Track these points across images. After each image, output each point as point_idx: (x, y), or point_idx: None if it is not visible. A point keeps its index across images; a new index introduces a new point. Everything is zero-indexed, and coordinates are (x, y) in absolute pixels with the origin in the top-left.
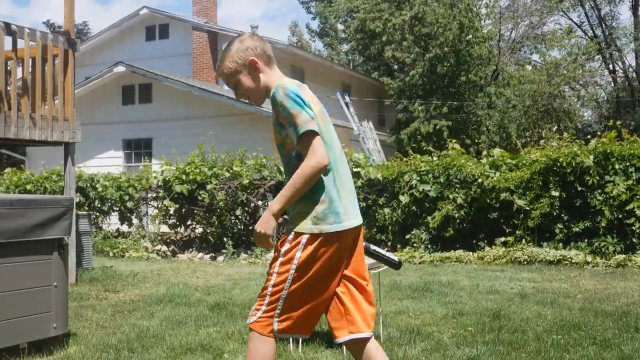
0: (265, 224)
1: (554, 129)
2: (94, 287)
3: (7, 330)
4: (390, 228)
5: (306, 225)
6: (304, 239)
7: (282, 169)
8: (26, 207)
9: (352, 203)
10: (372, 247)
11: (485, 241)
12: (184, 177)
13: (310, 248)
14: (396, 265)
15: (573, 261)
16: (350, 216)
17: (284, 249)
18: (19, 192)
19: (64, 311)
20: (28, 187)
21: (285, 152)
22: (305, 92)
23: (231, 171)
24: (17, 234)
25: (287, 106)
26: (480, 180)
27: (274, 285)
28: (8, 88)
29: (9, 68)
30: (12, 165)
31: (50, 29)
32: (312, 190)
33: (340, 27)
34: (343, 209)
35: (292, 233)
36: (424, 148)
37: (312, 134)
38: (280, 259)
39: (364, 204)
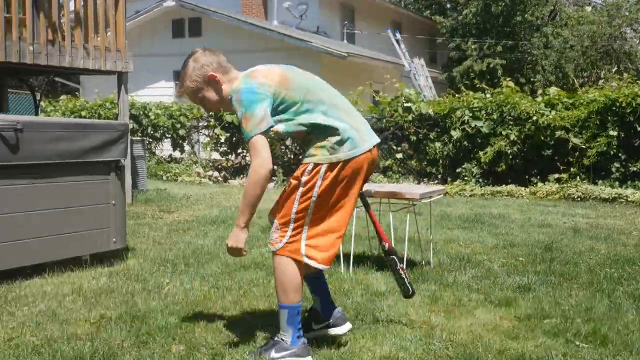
0: (235, 238)
1: (614, 70)
2: (149, 207)
3: (71, 243)
4: (440, 161)
5: (323, 156)
6: (322, 168)
7: None
8: (84, 130)
9: (363, 125)
10: (399, 265)
11: (538, 177)
12: None
13: (330, 176)
14: (409, 295)
15: (629, 199)
16: (365, 139)
17: (304, 179)
18: (74, 118)
19: (122, 227)
20: (83, 113)
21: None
22: (255, 77)
23: None
24: (76, 155)
25: (240, 110)
26: (534, 118)
27: (296, 212)
28: (61, 20)
29: (61, 1)
30: (67, 93)
31: None
32: (321, 128)
33: None
34: (356, 133)
35: (311, 164)
36: (477, 85)
37: (255, 139)
38: (301, 189)
39: (415, 138)
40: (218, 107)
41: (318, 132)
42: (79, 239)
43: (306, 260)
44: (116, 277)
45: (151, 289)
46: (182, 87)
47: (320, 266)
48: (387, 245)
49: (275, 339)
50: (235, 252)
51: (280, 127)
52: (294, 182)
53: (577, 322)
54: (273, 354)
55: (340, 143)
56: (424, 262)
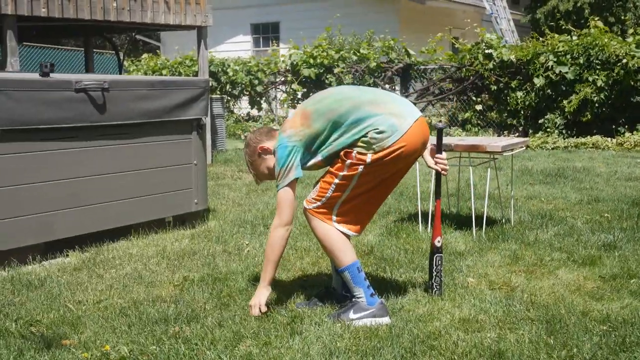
0: (258, 297)
1: None
2: (228, 167)
3: (153, 204)
4: (522, 112)
5: (367, 148)
6: (368, 157)
7: (411, 52)
8: (166, 88)
9: (400, 107)
10: (441, 266)
11: (626, 127)
12: (311, 60)
13: (375, 162)
14: (435, 295)
15: None
16: (405, 116)
17: (348, 162)
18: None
19: (203, 188)
20: (164, 72)
21: (322, 164)
22: (286, 130)
23: (358, 54)
24: (159, 114)
25: (276, 167)
26: (624, 60)
27: (336, 186)
28: None
29: None
30: (148, 52)
31: None
32: (359, 133)
33: None
34: (394, 118)
35: (355, 152)
36: (563, 27)
37: (283, 192)
38: (347, 169)
39: (495, 88)
40: (271, 176)
41: (355, 140)
42: (163, 200)
43: (336, 225)
44: (198, 239)
45: (231, 251)
46: (248, 164)
47: (351, 233)
48: (440, 241)
49: (353, 300)
50: (254, 309)
51: (318, 158)
52: (339, 162)
53: None
54: (351, 315)
55: (381, 133)
56: (504, 220)
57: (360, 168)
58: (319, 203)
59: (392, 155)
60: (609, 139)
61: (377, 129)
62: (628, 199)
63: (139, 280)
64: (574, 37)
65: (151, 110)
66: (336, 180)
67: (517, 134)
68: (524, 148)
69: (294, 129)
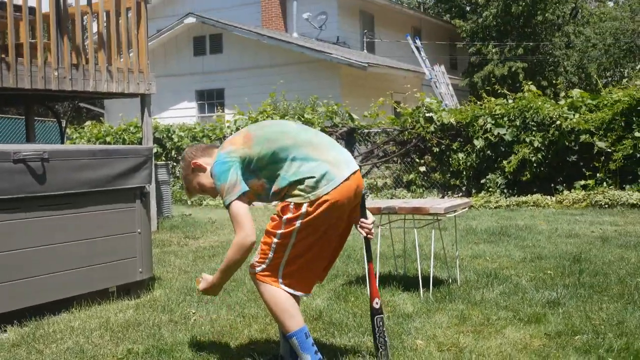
0: (205, 282)
1: (638, 68)
2: (174, 234)
3: (97, 275)
4: (464, 173)
5: (302, 196)
6: (304, 207)
7: (354, 116)
8: (109, 157)
9: (338, 155)
10: (384, 327)
11: (564, 185)
12: None
13: (312, 212)
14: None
15: None
16: (342, 167)
17: (286, 217)
18: (99, 144)
19: (148, 256)
20: (108, 139)
21: (262, 191)
22: (225, 147)
23: (303, 119)
24: (102, 183)
25: (215, 183)
26: (558, 122)
27: (277, 245)
28: (85, 42)
29: (85, 23)
30: (92, 119)
31: None
32: (297, 175)
33: None
34: (330, 166)
35: (292, 203)
36: (499, 91)
37: (234, 205)
38: (284, 226)
39: (437, 150)
40: (212, 190)
41: (293, 182)
42: (106, 270)
43: (283, 287)
44: (143, 308)
45: (178, 320)
46: (184, 183)
47: (300, 294)
48: (379, 302)
49: None
50: (208, 291)
51: (259, 179)
52: (276, 218)
53: (609, 337)
54: None
55: (316, 183)
56: (450, 280)
57: (298, 223)
58: (263, 266)
59: (326, 205)
60: (548, 197)
61: (314, 176)
62: (569, 256)
63: (80, 354)
64: (510, 101)
65: (93, 180)
66: (275, 240)
67: (460, 194)
68: (467, 209)
69: (233, 146)
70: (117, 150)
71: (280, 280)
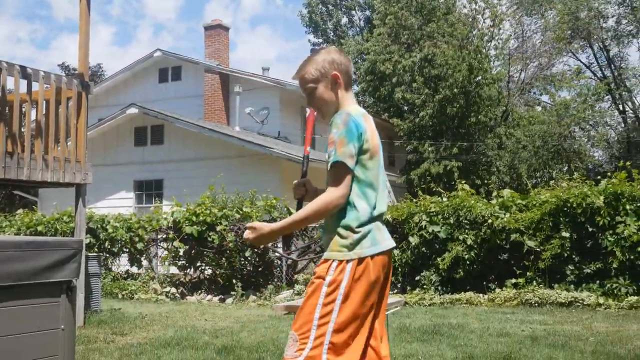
0: (256, 234)
1: (565, 170)
2: (101, 329)
3: None
4: (400, 270)
5: (344, 253)
6: (347, 267)
7: (292, 210)
8: (35, 249)
9: (384, 228)
10: None
11: (496, 282)
12: (194, 218)
13: (355, 275)
14: None
15: (585, 303)
16: (385, 238)
17: (329, 278)
18: (30, 234)
19: (70, 355)
20: (39, 228)
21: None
22: (367, 124)
23: (241, 212)
24: (26, 276)
25: (341, 131)
26: (490, 221)
27: (320, 317)
28: (22, 130)
29: (23, 110)
30: (24, 207)
31: (65, 71)
32: (348, 218)
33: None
34: (378, 233)
35: (335, 261)
36: (434, 189)
37: (344, 167)
38: (325, 289)
39: None
40: (320, 109)
41: (347, 211)
42: None
43: None
44: None
45: None
46: (303, 70)
47: None
48: None
49: None
50: (257, 239)
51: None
52: (317, 281)
53: None
54: None
55: (359, 240)
56: None
57: (344, 279)
58: (309, 345)
59: (369, 270)
60: (481, 294)
61: (363, 234)
62: (500, 355)
63: None
64: (444, 199)
65: (17, 273)
66: (322, 292)
67: (395, 290)
68: (399, 308)
69: (370, 138)
70: (45, 243)
71: (325, 358)
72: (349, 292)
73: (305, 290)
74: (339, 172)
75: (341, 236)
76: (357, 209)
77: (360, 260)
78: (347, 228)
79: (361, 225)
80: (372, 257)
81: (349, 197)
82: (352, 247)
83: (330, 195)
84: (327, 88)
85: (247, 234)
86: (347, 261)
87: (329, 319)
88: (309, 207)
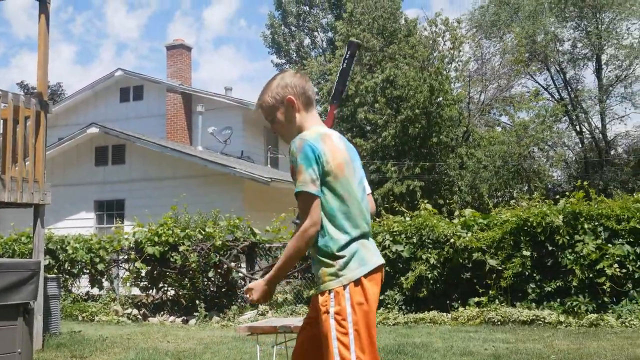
0: (257, 293)
1: (525, 189)
2: (60, 352)
3: None
4: None
5: (335, 281)
6: (345, 294)
7: (256, 231)
8: None
9: (372, 244)
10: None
11: (459, 301)
12: (156, 238)
13: (355, 297)
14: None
15: (546, 321)
16: (374, 255)
17: (333, 310)
18: None
19: None
20: None
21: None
22: (326, 144)
23: (204, 232)
24: None
25: (296, 158)
26: (452, 240)
27: (339, 352)
28: None
29: None
30: None
31: (24, 90)
32: (326, 246)
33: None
34: (365, 252)
35: (332, 291)
36: (397, 208)
37: (307, 195)
38: (334, 323)
39: None
40: (283, 134)
41: (324, 236)
42: None
43: None
44: None
45: None
46: (261, 99)
47: None
48: None
49: None
50: (262, 298)
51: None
52: (324, 317)
53: None
54: None
55: (346, 263)
56: None
57: (347, 307)
58: None
59: (365, 291)
60: (444, 313)
61: (349, 257)
62: None
63: None
64: (407, 218)
65: None
66: (332, 327)
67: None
68: None
69: (330, 158)
70: (1, 264)
71: None
72: (357, 317)
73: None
74: (303, 201)
75: (327, 265)
76: (330, 235)
77: (356, 282)
78: (329, 256)
79: (342, 248)
80: (365, 276)
81: (322, 224)
82: (341, 272)
83: (303, 227)
84: (283, 113)
85: (252, 297)
86: (344, 287)
87: (349, 350)
88: (288, 247)
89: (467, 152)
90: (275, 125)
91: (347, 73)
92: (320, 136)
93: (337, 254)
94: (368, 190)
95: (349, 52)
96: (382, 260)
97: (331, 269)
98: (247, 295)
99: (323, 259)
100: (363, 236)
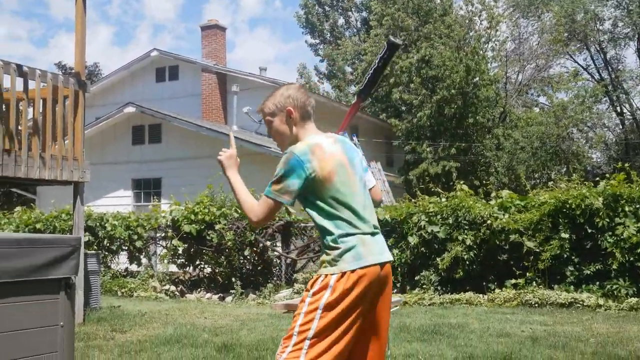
0: (224, 165)
1: (563, 171)
2: (101, 326)
3: None
4: (399, 269)
5: (328, 268)
6: (331, 280)
7: (291, 210)
8: (33, 246)
9: (374, 242)
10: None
11: (496, 283)
12: (192, 217)
13: (337, 288)
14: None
15: (585, 304)
16: (374, 252)
17: (313, 290)
18: (28, 231)
19: (70, 352)
20: (38, 225)
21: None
22: (315, 155)
23: (240, 211)
24: (24, 273)
25: (280, 169)
26: (489, 221)
27: (300, 325)
28: (19, 128)
29: (20, 108)
30: (22, 204)
31: (61, 70)
32: (329, 238)
33: (348, 69)
34: (363, 248)
35: (322, 275)
36: (433, 189)
37: (271, 201)
38: (308, 299)
39: None
40: (278, 141)
41: (323, 234)
42: None
43: None
44: None
45: None
46: (264, 104)
47: None
48: None
49: None
50: (225, 161)
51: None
52: (305, 293)
53: None
54: None
55: (340, 255)
56: None
57: (326, 292)
58: (288, 349)
59: (350, 285)
60: (480, 295)
61: (345, 250)
62: (500, 356)
63: None
64: (443, 199)
65: (16, 269)
66: (306, 302)
67: (395, 290)
68: (398, 307)
69: (318, 167)
70: (43, 240)
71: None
72: (330, 303)
73: None
74: (265, 202)
75: (325, 254)
76: (329, 232)
77: (342, 274)
78: (328, 247)
79: (339, 241)
80: (353, 271)
81: (321, 222)
82: (334, 262)
83: (252, 210)
84: (282, 122)
85: (222, 157)
86: (331, 275)
87: (309, 327)
88: (244, 196)
89: (504, 133)
90: (272, 131)
91: (380, 72)
92: (309, 148)
93: (333, 245)
94: (373, 182)
95: (387, 53)
96: (382, 259)
97: (327, 257)
98: (222, 155)
99: (324, 249)
100: (366, 233)
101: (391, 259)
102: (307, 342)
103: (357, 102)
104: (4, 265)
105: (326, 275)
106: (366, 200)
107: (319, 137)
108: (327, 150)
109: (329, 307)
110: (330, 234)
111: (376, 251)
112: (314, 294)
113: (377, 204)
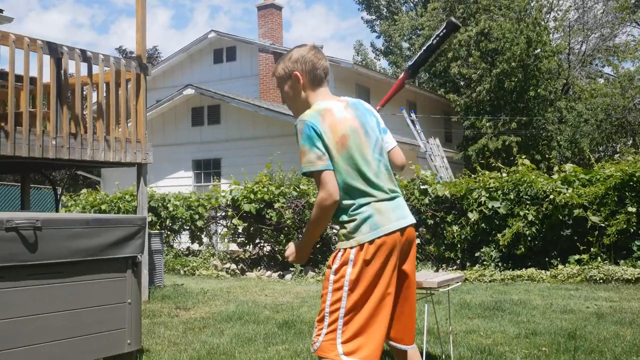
0: (292, 256)
1: (629, 143)
2: (165, 304)
3: (83, 346)
4: (459, 246)
5: (345, 242)
6: (351, 254)
7: None
8: (101, 226)
9: (391, 208)
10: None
11: (559, 259)
12: (252, 196)
13: (358, 261)
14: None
15: None
16: (391, 219)
17: (334, 267)
18: (94, 212)
19: (137, 328)
20: (103, 207)
21: None
22: (325, 120)
23: (298, 190)
24: (93, 252)
25: (300, 140)
26: (552, 196)
27: (330, 305)
28: (84, 112)
29: (84, 93)
30: (88, 187)
31: (122, 54)
32: (338, 213)
33: (405, 44)
34: (379, 217)
35: (340, 250)
36: (493, 164)
37: (316, 173)
38: (332, 277)
39: (432, 222)
40: (290, 107)
41: (342, 209)
42: (94, 341)
43: (347, 359)
44: None
45: None
46: (276, 69)
47: None
48: None
49: None
50: (297, 257)
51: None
52: (327, 270)
53: None
54: None
55: (356, 227)
56: (444, 356)
57: (348, 267)
58: (323, 331)
59: (370, 256)
60: (543, 271)
61: (360, 221)
62: (564, 332)
63: None
64: (504, 174)
65: (85, 249)
66: (330, 280)
67: (455, 267)
68: (460, 283)
69: (331, 134)
70: (110, 220)
71: (341, 349)
72: (355, 278)
73: None
74: (315, 178)
75: (341, 227)
76: (343, 204)
77: (361, 246)
78: (341, 221)
79: (353, 214)
80: (371, 242)
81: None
82: (350, 235)
83: (319, 199)
84: (291, 87)
85: (288, 258)
86: (351, 248)
87: (339, 306)
88: (311, 217)
89: (567, 105)
90: (283, 96)
91: (433, 50)
92: (319, 113)
93: (347, 218)
94: (393, 144)
95: (444, 31)
96: (402, 224)
97: (344, 230)
98: (286, 255)
99: (339, 224)
100: (378, 201)
101: (413, 221)
102: (341, 322)
103: (403, 77)
104: (75, 245)
105: (345, 250)
106: (381, 166)
107: (330, 102)
108: (338, 116)
109: (354, 282)
110: (344, 206)
111: (394, 217)
112: (337, 270)
113: (399, 167)
